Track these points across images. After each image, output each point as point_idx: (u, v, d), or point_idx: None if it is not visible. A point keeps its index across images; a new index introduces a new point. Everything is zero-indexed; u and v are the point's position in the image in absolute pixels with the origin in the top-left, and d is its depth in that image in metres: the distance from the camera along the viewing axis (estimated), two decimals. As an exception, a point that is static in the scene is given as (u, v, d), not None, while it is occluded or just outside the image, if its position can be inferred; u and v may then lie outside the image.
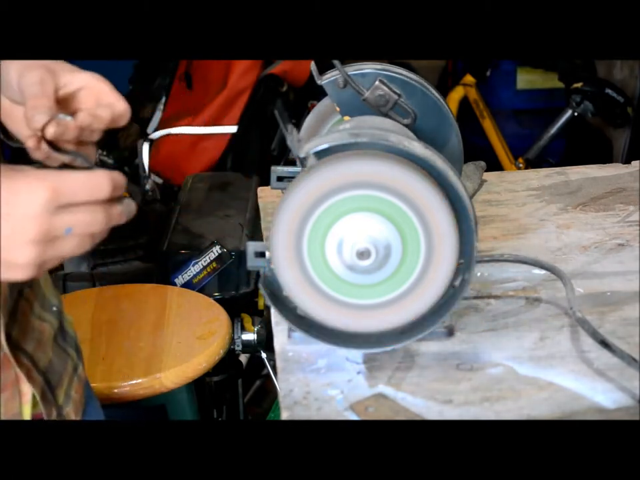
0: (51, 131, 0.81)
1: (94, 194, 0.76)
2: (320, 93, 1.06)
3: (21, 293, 0.94)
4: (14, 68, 0.87)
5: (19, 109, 0.89)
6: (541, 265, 1.04)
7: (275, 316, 0.99)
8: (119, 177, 0.77)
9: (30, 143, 0.84)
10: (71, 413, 0.97)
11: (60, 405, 0.95)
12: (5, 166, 0.76)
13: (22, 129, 0.91)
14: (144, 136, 2.92)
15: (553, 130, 3.02)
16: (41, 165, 0.85)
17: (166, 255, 2.09)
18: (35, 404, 0.91)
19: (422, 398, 0.86)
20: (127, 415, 1.61)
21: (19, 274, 0.76)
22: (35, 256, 0.75)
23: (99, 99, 0.86)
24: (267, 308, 1.97)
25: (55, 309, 1.00)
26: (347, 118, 1.05)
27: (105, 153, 2.13)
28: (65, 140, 0.85)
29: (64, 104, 0.85)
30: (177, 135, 2.84)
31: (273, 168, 1.00)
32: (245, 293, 2.07)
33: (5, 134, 0.95)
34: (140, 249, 2.39)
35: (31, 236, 0.74)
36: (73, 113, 0.85)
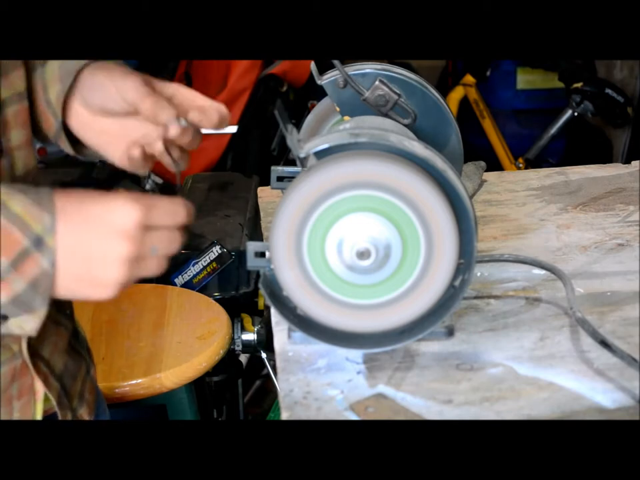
0: (174, 131, 0.86)
1: (174, 218, 0.78)
2: (320, 93, 1.06)
3: None
4: (105, 76, 0.89)
5: (103, 122, 0.91)
6: (540, 265, 1.04)
7: (274, 316, 0.99)
8: (189, 206, 0.79)
9: (135, 153, 0.88)
10: (84, 414, 0.97)
11: (74, 408, 0.95)
12: (93, 191, 0.78)
13: (104, 142, 0.93)
14: (144, 136, 2.91)
15: (553, 130, 3.03)
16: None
17: (166, 254, 2.08)
18: (45, 399, 0.91)
19: (422, 398, 0.86)
20: (127, 415, 1.61)
21: (103, 292, 0.77)
22: (123, 274, 0.76)
23: (194, 104, 0.89)
24: (267, 308, 1.97)
25: (68, 312, 1.00)
26: (347, 118, 1.05)
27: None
28: (178, 143, 0.89)
29: None
30: (176, 135, 2.83)
31: (273, 168, 1.00)
32: (244, 293, 2.07)
33: (76, 148, 0.96)
34: (140, 249, 2.38)
35: (124, 254, 0.75)
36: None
